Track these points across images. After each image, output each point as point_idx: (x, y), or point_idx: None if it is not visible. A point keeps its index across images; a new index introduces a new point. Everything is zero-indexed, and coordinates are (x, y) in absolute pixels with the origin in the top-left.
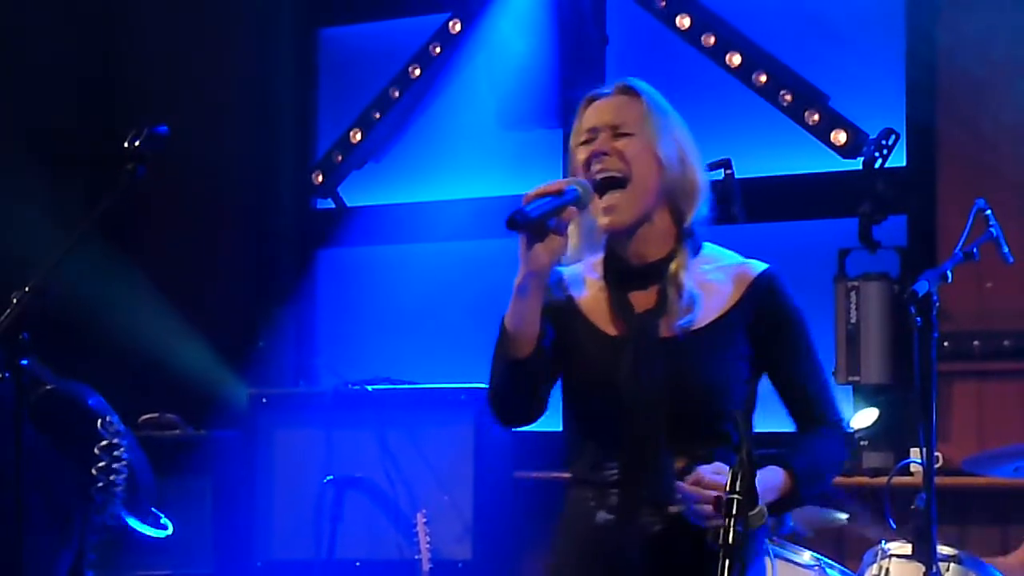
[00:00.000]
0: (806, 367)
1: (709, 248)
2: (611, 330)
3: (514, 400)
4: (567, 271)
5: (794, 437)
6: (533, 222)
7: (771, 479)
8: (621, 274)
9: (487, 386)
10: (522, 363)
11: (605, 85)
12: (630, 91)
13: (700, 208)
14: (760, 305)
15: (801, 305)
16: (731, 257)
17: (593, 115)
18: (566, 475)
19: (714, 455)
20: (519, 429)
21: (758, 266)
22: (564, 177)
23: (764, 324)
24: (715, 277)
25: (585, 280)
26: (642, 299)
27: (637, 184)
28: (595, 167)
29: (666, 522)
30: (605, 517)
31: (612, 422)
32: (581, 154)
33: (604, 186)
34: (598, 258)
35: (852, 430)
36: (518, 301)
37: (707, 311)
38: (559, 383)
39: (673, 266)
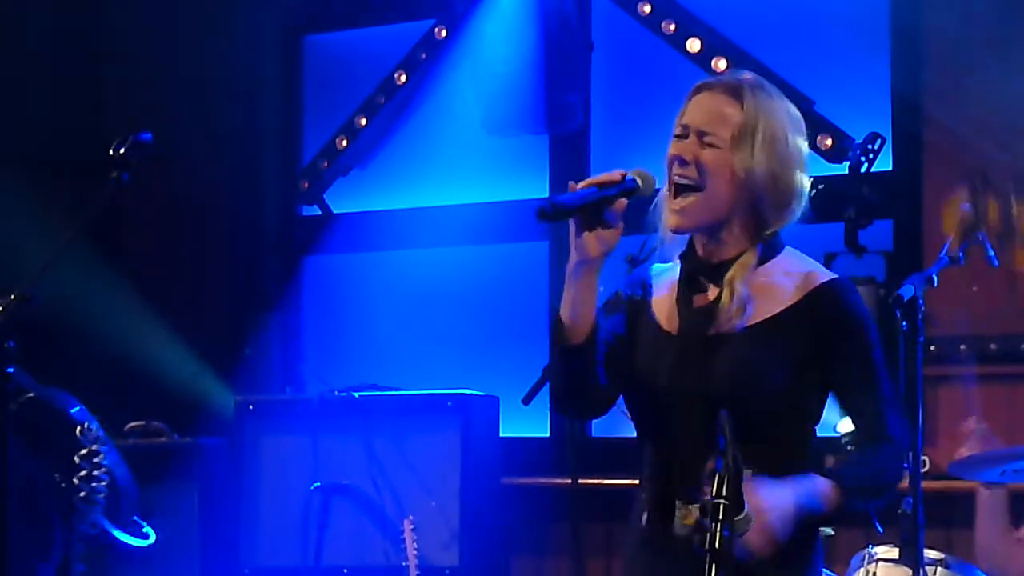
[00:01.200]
0: (862, 380)
1: (789, 252)
2: (668, 327)
3: (568, 389)
4: (659, 267)
5: (849, 452)
6: (562, 212)
7: (813, 488)
8: (693, 272)
9: (550, 379)
10: (574, 351)
11: (719, 75)
12: (735, 91)
13: (788, 218)
14: (820, 313)
15: (870, 318)
16: (805, 263)
17: (693, 110)
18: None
19: (752, 455)
20: (583, 421)
21: (827, 274)
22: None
23: (824, 331)
24: (779, 280)
25: (669, 277)
26: (702, 298)
27: (710, 195)
28: (675, 170)
29: (693, 525)
30: (647, 518)
31: (660, 424)
32: (671, 148)
33: (677, 190)
34: (678, 256)
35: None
36: (569, 287)
37: (759, 313)
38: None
39: (734, 268)
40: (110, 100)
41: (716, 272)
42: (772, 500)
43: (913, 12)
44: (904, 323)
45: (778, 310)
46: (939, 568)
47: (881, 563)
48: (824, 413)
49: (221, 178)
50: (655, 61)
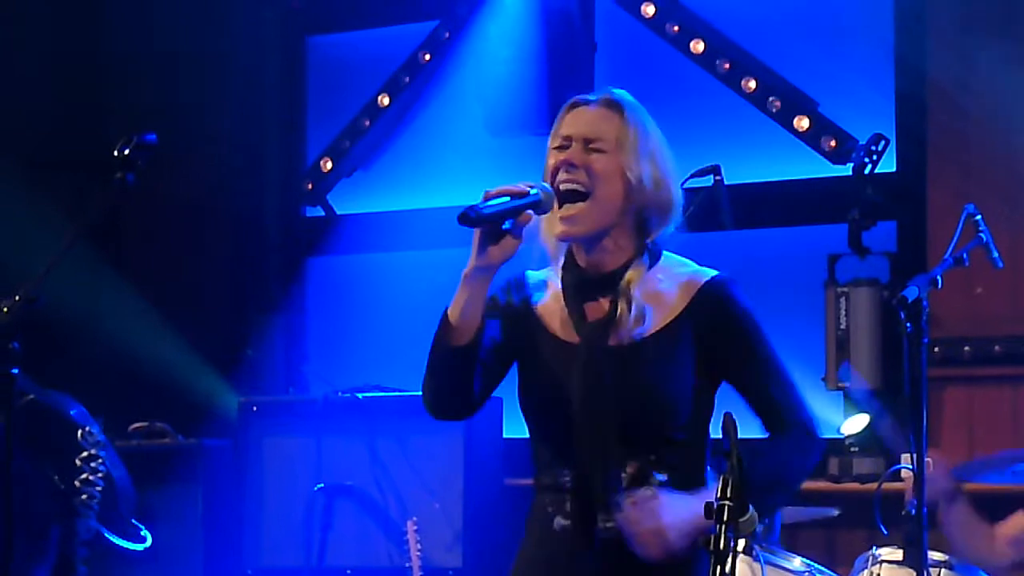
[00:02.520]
0: (763, 371)
1: (668, 257)
2: (564, 337)
3: (447, 389)
4: (533, 275)
5: (759, 444)
6: (484, 220)
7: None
8: (578, 282)
9: (423, 376)
10: (459, 351)
11: (592, 92)
12: (613, 105)
13: (669, 225)
14: (707, 313)
15: (755, 309)
16: (685, 266)
17: (572, 122)
18: (525, 482)
19: (664, 460)
20: (450, 420)
21: (707, 274)
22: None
23: (713, 332)
24: (665, 286)
25: (548, 285)
26: (595, 308)
27: (598, 200)
28: (561, 176)
29: (617, 527)
30: (561, 523)
31: (564, 429)
32: (551, 159)
33: (565, 197)
34: (559, 265)
35: (820, 432)
36: (463, 292)
37: (654, 320)
38: (516, 389)
39: (627, 278)
40: (113, 101)
41: (605, 282)
42: (673, 515)
43: (917, 14)
44: (908, 324)
45: (671, 316)
46: (943, 570)
47: (885, 564)
48: (827, 415)
49: (225, 179)
50: (659, 62)
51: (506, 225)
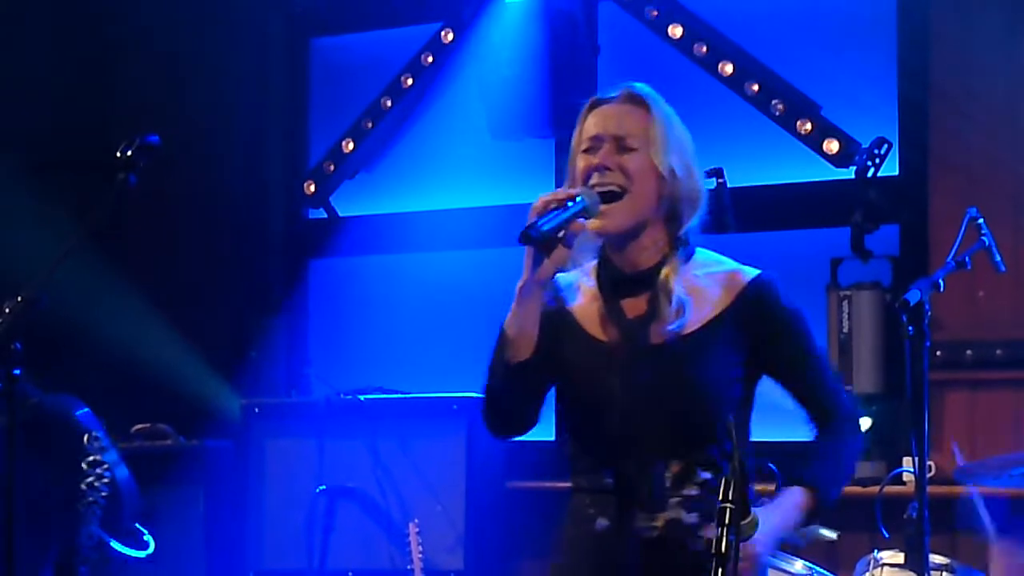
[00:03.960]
0: (811, 370)
1: (702, 254)
2: (603, 337)
3: (510, 406)
4: (563, 278)
5: (814, 446)
6: (546, 237)
7: (790, 501)
8: (614, 281)
9: (482, 394)
10: (521, 367)
11: (611, 89)
12: (636, 99)
13: (698, 216)
14: (754, 312)
15: (799, 307)
16: (725, 263)
17: (597, 123)
18: (566, 484)
19: (708, 458)
20: (511, 439)
21: (750, 272)
22: (557, 187)
23: (759, 330)
24: (706, 283)
25: (580, 287)
26: (633, 306)
27: (635, 197)
28: (594, 180)
29: (662, 527)
30: (603, 524)
31: (606, 429)
32: (582, 162)
33: (603, 199)
34: (592, 265)
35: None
36: (520, 306)
37: (696, 316)
38: (553, 392)
39: (664, 273)
40: (116, 102)
41: (642, 279)
42: (762, 534)
43: (920, 17)
44: (910, 328)
45: (714, 313)
46: (945, 573)
47: (887, 568)
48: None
49: (227, 181)
50: (662, 65)
51: (561, 237)
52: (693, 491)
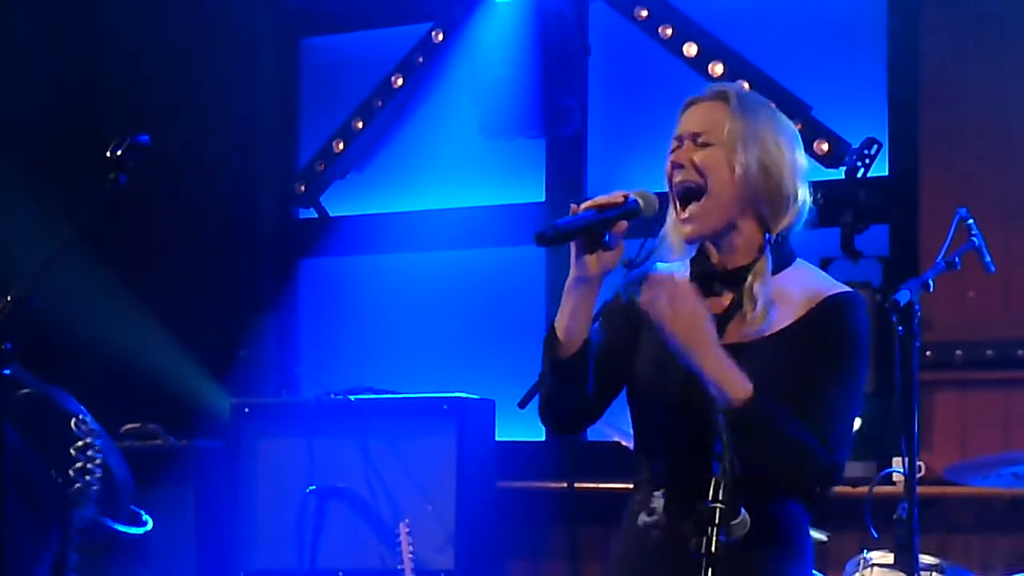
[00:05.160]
0: (821, 382)
1: (802, 265)
2: None
3: (559, 402)
4: (662, 267)
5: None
6: (561, 236)
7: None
8: (704, 276)
9: (538, 390)
10: (567, 363)
11: (705, 88)
12: (720, 95)
13: (788, 218)
14: (821, 325)
15: (861, 336)
16: (818, 277)
17: (684, 121)
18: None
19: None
20: (568, 436)
21: (835, 287)
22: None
23: (821, 343)
24: (791, 292)
25: (675, 279)
26: (717, 304)
27: (714, 195)
28: (675, 177)
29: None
30: (645, 520)
31: (658, 425)
32: (668, 162)
33: (682, 197)
34: (687, 260)
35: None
36: (568, 301)
37: (776, 323)
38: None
39: (752, 274)
40: (106, 102)
41: (730, 278)
42: (693, 302)
43: (910, 17)
44: (900, 328)
45: (788, 322)
46: (934, 574)
47: (876, 568)
48: None
49: (218, 180)
50: (652, 65)
51: (606, 238)
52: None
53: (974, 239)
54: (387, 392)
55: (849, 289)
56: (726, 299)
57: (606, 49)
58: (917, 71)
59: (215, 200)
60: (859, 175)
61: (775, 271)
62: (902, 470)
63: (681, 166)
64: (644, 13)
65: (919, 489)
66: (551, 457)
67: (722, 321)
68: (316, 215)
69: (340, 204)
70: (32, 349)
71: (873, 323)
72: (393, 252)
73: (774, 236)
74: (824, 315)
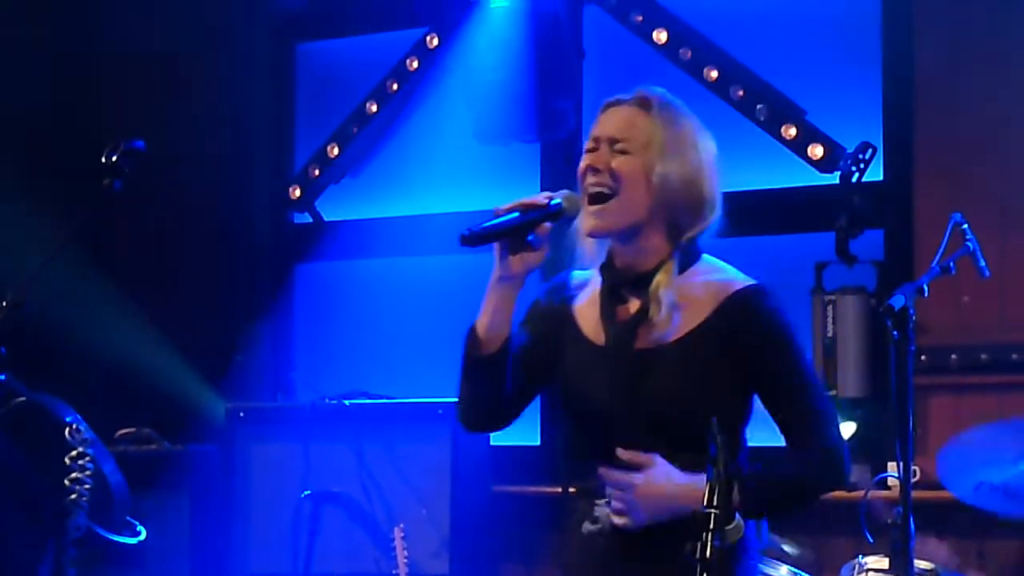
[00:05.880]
0: (788, 387)
1: (706, 261)
2: (594, 339)
3: (476, 400)
4: (578, 275)
5: (781, 452)
6: (482, 238)
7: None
8: (613, 283)
9: (456, 388)
10: (486, 361)
11: (627, 92)
12: (643, 103)
13: (702, 224)
14: (733, 322)
15: (789, 322)
16: (721, 271)
17: (602, 123)
18: (555, 488)
19: (692, 462)
20: (483, 435)
21: (740, 282)
22: (543, 190)
23: (739, 343)
24: (700, 291)
25: (590, 285)
26: (625, 310)
27: (623, 201)
28: (588, 180)
29: (648, 531)
30: (590, 527)
31: (593, 432)
32: (582, 162)
33: (591, 200)
34: (598, 264)
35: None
36: (489, 300)
37: (684, 324)
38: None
39: (656, 280)
40: (102, 107)
41: (638, 283)
42: (657, 480)
43: (905, 21)
44: (895, 332)
45: (698, 322)
46: None
47: (871, 573)
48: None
49: (212, 185)
50: (646, 70)
51: (529, 239)
52: None
53: (969, 244)
54: (382, 397)
55: (753, 281)
56: (633, 305)
57: (600, 53)
58: (912, 75)
59: (210, 204)
60: (854, 180)
61: (681, 270)
62: (897, 475)
63: (597, 170)
64: (639, 17)
65: (914, 493)
66: (546, 461)
67: (631, 327)
68: (311, 220)
69: (335, 209)
70: (27, 354)
71: (868, 328)
72: (388, 256)
73: (684, 241)
74: (737, 311)
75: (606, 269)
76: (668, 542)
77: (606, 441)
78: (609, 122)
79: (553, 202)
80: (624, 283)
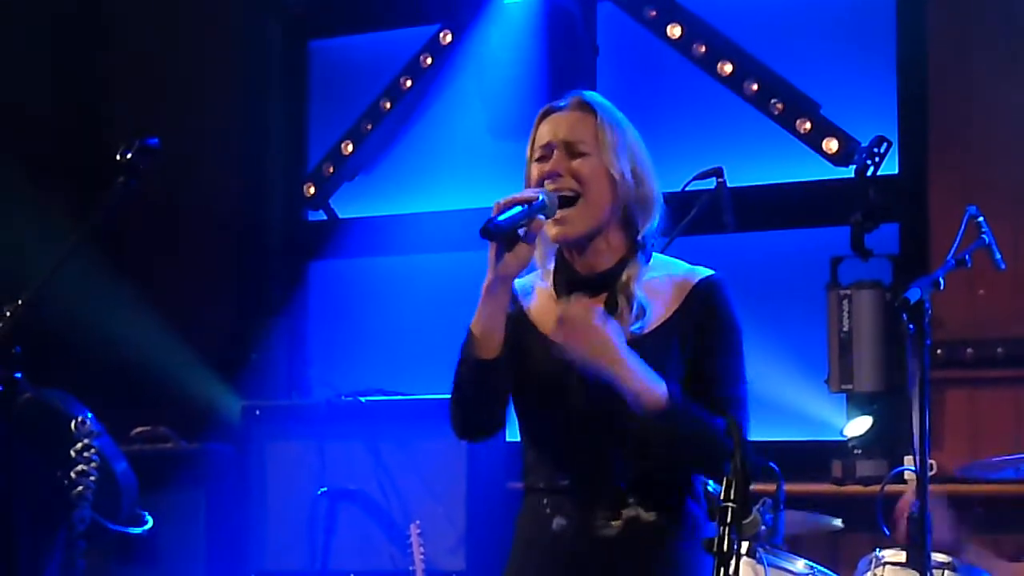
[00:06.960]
0: (715, 364)
1: (658, 258)
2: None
3: (478, 405)
4: (518, 281)
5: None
6: (505, 231)
7: (649, 370)
8: (570, 283)
9: (450, 394)
10: (488, 365)
11: (561, 99)
12: (585, 107)
13: (653, 220)
14: (695, 310)
15: (739, 318)
16: (679, 266)
17: (549, 130)
18: (519, 485)
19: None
20: (477, 441)
21: (701, 273)
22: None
23: (695, 327)
24: (663, 285)
25: (536, 289)
26: None
27: (589, 202)
28: (548, 186)
29: (620, 526)
30: (560, 523)
31: (562, 429)
32: (535, 171)
33: (559, 203)
34: (549, 268)
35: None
36: (486, 304)
37: (653, 318)
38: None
39: (625, 276)
40: (115, 105)
41: (600, 282)
42: (609, 329)
43: (919, 15)
44: (911, 326)
45: (666, 315)
46: (946, 571)
47: (888, 566)
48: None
49: (227, 183)
50: (661, 65)
51: (521, 233)
52: (652, 490)
53: (984, 237)
54: (397, 394)
55: (711, 271)
56: (597, 303)
57: (615, 49)
58: (926, 69)
59: (224, 203)
60: (869, 173)
61: (642, 267)
62: (914, 468)
63: (558, 175)
64: (653, 13)
65: (931, 487)
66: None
67: None
68: (325, 217)
69: (349, 206)
70: (42, 353)
71: (884, 322)
72: (402, 254)
73: (640, 239)
74: (700, 299)
75: (560, 271)
76: (644, 544)
77: (575, 436)
78: (559, 127)
79: (540, 198)
80: (584, 282)
